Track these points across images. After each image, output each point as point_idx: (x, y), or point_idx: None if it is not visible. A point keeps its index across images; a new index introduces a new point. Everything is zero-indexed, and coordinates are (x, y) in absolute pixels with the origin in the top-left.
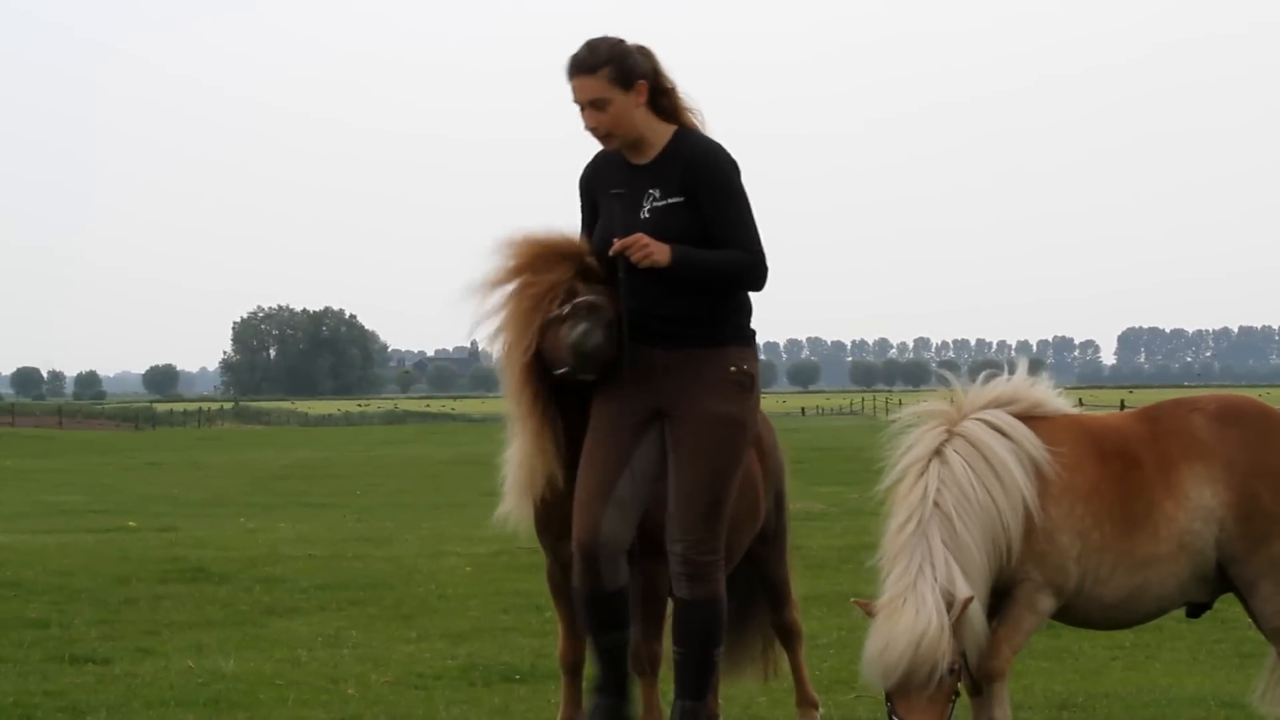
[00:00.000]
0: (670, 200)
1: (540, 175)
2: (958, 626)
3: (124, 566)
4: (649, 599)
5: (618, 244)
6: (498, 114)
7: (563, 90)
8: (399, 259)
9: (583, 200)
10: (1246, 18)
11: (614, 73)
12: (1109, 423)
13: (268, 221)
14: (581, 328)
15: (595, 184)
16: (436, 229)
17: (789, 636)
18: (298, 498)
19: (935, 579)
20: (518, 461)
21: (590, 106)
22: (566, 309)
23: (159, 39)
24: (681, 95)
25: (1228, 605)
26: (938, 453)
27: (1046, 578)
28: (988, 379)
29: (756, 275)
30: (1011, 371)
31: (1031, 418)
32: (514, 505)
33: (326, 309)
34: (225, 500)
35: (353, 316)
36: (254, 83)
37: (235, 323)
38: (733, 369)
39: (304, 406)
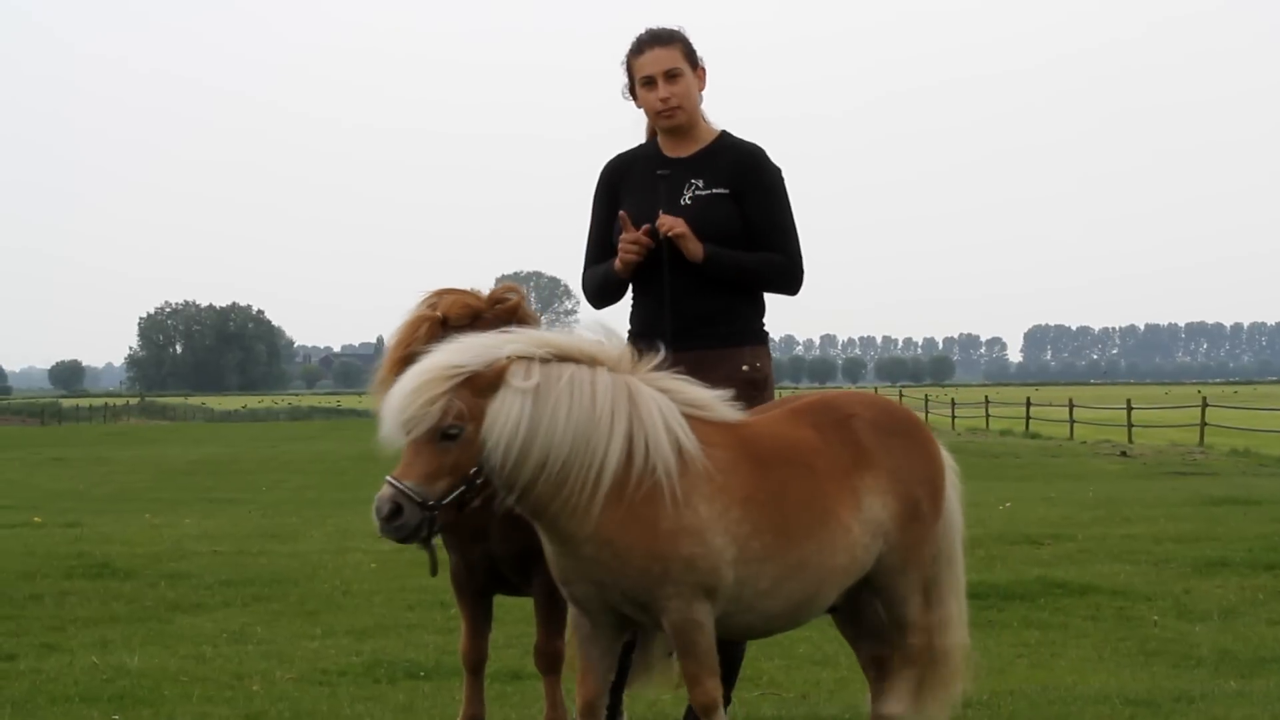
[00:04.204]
0: (715, 190)
1: (436, 168)
2: (477, 391)
3: (29, 562)
4: (549, 599)
5: (664, 219)
6: (405, 104)
7: (455, 83)
8: (308, 252)
9: (602, 194)
10: (1144, 18)
11: (686, 49)
12: (769, 429)
13: (174, 213)
14: None
15: (623, 176)
16: (344, 214)
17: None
18: (203, 493)
19: (510, 350)
20: None
21: (664, 77)
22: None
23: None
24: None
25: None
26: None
27: (697, 582)
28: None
29: (792, 279)
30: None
31: (692, 418)
32: None
33: (234, 304)
34: (131, 496)
35: (260, 312)
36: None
37: (142, 318)
38: (745, 368)
39: (210, 402)
